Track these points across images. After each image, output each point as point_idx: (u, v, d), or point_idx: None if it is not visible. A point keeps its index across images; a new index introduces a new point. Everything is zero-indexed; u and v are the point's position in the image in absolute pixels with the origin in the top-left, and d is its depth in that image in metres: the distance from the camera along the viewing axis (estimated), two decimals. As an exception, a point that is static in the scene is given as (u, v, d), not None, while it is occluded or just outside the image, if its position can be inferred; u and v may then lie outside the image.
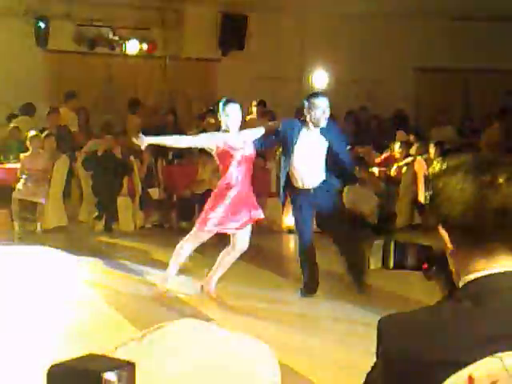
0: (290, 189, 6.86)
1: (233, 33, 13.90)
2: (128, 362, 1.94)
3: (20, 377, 4.60)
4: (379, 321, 2.13)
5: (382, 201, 11.44)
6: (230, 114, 6.50)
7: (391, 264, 2.62)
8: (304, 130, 6.67)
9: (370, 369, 2.05)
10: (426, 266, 2.55)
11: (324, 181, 6.80)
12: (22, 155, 10.40)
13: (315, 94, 6.97)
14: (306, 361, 5.22)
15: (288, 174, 6.81)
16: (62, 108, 12.26)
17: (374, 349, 1.88)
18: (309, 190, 6.76)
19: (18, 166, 10.42)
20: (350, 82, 14.01)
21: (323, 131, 6.68)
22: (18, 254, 8.79)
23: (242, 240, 6.58)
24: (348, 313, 6.43)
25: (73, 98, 12.50)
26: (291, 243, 10.63)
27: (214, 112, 10.04)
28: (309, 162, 6.69)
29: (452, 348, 1.80)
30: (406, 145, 11.86)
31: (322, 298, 6.99)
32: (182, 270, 6.95)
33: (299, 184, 6.78)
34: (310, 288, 6.90)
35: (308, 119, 6.64)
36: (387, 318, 2.10)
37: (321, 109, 6.55)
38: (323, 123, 6.60)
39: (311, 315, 6.50)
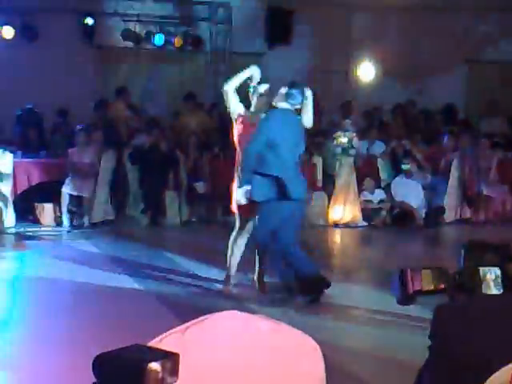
0: None
1: (279, 27, 13.85)
2: (172, 352, 1.93)
3: (67, 367, 4.64)
4: (436, 309, 2.06)
5: (430, 195, 11.30)
6: (264, 93, 6.56)
7: (410, 292, 2.57)
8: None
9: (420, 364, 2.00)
10: (442, 287, 2.49)
11: None
12: (69, 150, 10.52)
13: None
14: (351, 354, 5.17)
15: None
16: (114, 103, 12.37)
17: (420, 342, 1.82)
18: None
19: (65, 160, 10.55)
20: (399, 75, 13.85)
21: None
22: (66, 247, 8.89)
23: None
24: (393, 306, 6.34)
25: (124, 93, 12.61)
26: (337, 237, 10.58)
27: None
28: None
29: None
30: (455, 137, 11.69)
31: (366, 290, 6.92)
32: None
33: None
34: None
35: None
36: (445, 306, 2.04)
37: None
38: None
39: (352, 307, 6.42)
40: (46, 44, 12.61)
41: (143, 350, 1.96)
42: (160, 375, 1.86)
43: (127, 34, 13.27)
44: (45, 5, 12.41)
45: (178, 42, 13.42)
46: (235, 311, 2.94)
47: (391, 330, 5.69)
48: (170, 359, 1.88)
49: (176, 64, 13.91)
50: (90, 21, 13.13)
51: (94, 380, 2.00)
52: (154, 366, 1.85)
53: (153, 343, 2.54)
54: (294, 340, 2.67)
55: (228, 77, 6.88)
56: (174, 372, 1.90)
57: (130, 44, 13.42)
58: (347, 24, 14.11)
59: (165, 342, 2.65)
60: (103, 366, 1.91)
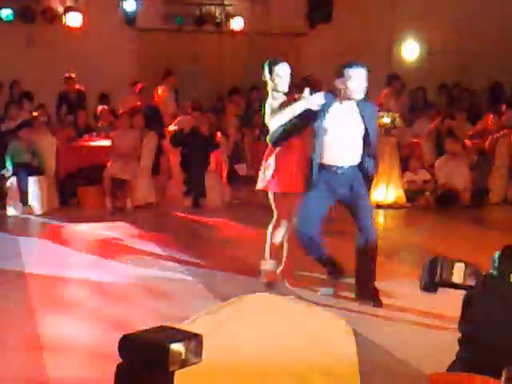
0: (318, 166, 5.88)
1: (320, 5, 13.70)
2: (195, 333, 1.91)
3: (95, 346, 4.67)
4: (464, 297, 2.03)
5: (475, 175, 11.10)
6: (282, 75, 6.17)
7: (437, 280, 2.53)
8: (337, 104, 5.84)
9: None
10: (471, 285, 2.43)
11: (359, 164, 5.88)
12: (111, 133, 10.59)
13: (351, 64, 5.87)
14: (386, 335, 5.11)
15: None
16: (160, 86, 12.41)
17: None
18: (336, 170, 5.84)
19: (108, 144, 10.63)
20: (444, 54, 13.61)
21: (360, 106, 5.85)
22: (109, 229, 8.96)
23: None
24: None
25: (170, 75, 12.64)
26: (380, 218, 10.46)
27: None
28: (341, 137, 5.82)
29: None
30: (500, 116, 11.46)
31: (409, 272, 6.83)
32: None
33: (325, 161, 5.85)
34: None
35: (342, 92, 5.78)
36: (472, 293, 2.00)
37: (357, 80, 5.73)
38: (359, 96, 5.78)
39: (388, 288, 6.34)
40: (87, 29, 12.68)
41: (167, 331, 1.95)
42: (183, 356, 1.84)
43: (167, 17, 13.28)
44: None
45: (218, 23, 13.39)
46: (266, 293, 2.91)
47: (432, 310, 5.61)
48: (194, 340, 1.87)
49: (216, 46, 13.87)
50: (129, 5, 13.15)
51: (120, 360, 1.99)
52: (177, 346, 1.84)
53: (184, 324, 2.53)
54: (326, 321, 2.63)
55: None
56: (198, 353, 1.88)
57: (171, 27, 13.44)
58: (391, 1, 13.90)
59: (197, 322, 2.64)
60: (128, 346, 1.91)
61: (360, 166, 5.89)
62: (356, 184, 5.89)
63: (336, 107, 5.83)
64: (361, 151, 5.87)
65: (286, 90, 6.18)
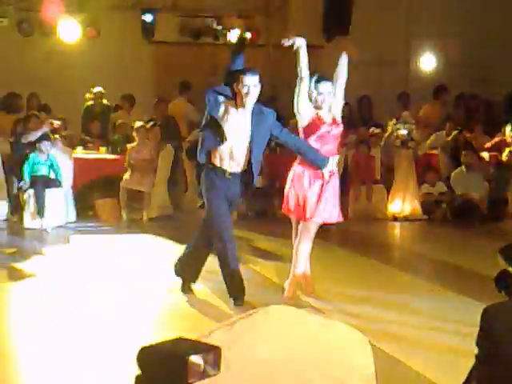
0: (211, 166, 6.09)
1: (337, 18, 13.71)
2: (214, 345, 1.93)
3: (115, 358, 4.68)
4: (484, 311, 2.01)
5: (493, 187, 11.05)
6: (324, 91, 6.24)
7: None
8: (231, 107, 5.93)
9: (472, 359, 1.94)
10: None
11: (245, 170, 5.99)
12: (128, 146, 10.65)
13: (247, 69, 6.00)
14: (403, 347, 5.09)
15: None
16: (178, 98, 12.48)
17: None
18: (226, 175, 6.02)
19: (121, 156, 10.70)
20: (462, 66, 13.56)
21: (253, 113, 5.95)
22: (125, 241, 9.00)
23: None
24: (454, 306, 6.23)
25: (188, 88, 12.72)
26: (396, 230, 10.44)
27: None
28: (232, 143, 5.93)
29: None
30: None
31: (426, 284, 6.81)
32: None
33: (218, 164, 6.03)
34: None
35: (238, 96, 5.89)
36: (493, 308, 1.98)
37: (247, 86, 5.85)
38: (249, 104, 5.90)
39: (403, 300, 6.31)
40: (105, 41, 12.78)
41: (186, 343, 1.97)
42: (202, 368, 1.86)
43: (186, 29, 13.35)
44: (106, 2, 12.57)
45: (236, 35, 13.41)
46: (283, 305, 2.91)
47: (448, 325, 5.59)
48: (212, 352, 1.89)
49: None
50: (148, 17, 13.24)
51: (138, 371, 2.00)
52: (196, 359, 1.86)
53: (201, 336, 2.54)
54: (342, 334, 2.63)
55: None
56: (216, 365, 1.90)
57: (188, 39, 13.50)
58: (408, 12, 13.89)
59: (213, 335, 2.64)
60: (146, 358, 1.93)
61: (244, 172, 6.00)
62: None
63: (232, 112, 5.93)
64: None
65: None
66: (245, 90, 5.85)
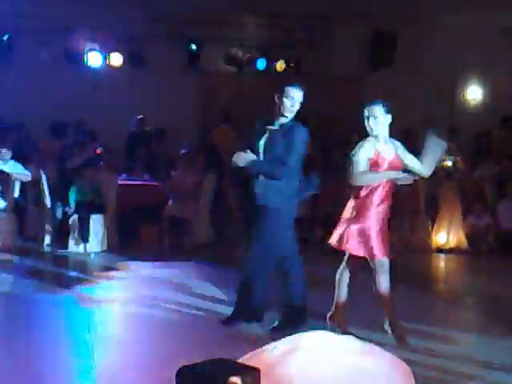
0: None
1: (383, 50, 13.71)
2: (253, 367, 1.90)
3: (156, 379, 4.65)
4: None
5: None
6: (380, 118, 5.69)
7: None
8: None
9: None
10: None
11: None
12: (172, 172, 10.72)
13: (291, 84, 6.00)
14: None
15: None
16: (222, 127, 12.61)
17: None
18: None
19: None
20: (508, 98, 13.41)
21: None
22: (167, 268, 9.01)
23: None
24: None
25: (229, 118, 12.85)
26: (441, 263, 10.28)
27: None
28: None
29: None
30: None
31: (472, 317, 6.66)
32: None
33: None
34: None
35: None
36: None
37: (291, 98, 5.85)
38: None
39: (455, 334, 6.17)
40: (150, 70, 12.94)
41: (225, 363, 1.94)
42: (241, 389, 1.83)
43: (230, 59, 13.47)
44: (149, 31, 12.78)
45: (279, 66, 13.52)
46: (324, 331, 2.84)
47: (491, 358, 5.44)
48: (251, 374, 1.85)
49: (277, 88, 13.96)
50: (193, 46, 13.40)
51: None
52: (235, 380, 1.83)
53: (243, 359, 2.49)
54: (385, 363, 2.56)
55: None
56: (255, 386, 1.86)
57: (232, 69, 13.61)
58: (454, 45, 13.81)
59: (254, 358, 2.59)
60: (186, 377, 1.91)
61: None
62: None
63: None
64: None
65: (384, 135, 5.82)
66: (289, 103, 5.84)
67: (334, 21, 13.49)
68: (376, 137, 5.71)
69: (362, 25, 13.52)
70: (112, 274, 8.67)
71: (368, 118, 5.68)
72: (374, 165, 5.69)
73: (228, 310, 6.49)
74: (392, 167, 5.73)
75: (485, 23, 13.14)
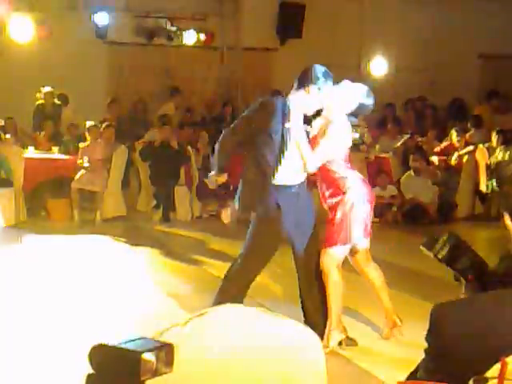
0: None
1: (290, 21, 13.81)
2: (166, 343, 1.94)
3: (70, 359, 4.67)
4: (433, 310, 2.05)
5: (442, 190, 11.24)
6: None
7: (440, 256, 2.58)
8: None
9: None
10: (471, 278, 2.49)
11: None
12: (81, 145, 10.55)
13: None
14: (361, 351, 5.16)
15: None
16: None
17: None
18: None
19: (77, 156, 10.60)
20: (412, 70, 13.78)
21: None
22: (77, 242, 8.92)
23: None
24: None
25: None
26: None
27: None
28: None
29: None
30: (464, 133, 11.65)
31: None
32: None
33: None
34: None
35: None
36: (442, 306, 2.02)
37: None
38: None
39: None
40: (58, 41, 12.62)
41: (138, 340, 1.97)
42: (154, 365, 1.86)
43: (138, 30, 13.30)
44: (56, 4, 12.47)
45: (188, 37, 13.43)
46: (235, 305, 2.93)
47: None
48: (165, 350, 1.89)
49: (188, 61, 13.91)
50: (102, 18, 13.12)
51: (90, 370, 2.00)
52: (148, 356, 1.86)
53: (154, 336, 2.54)
54: (294, 332, 2.67)
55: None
56: (169, 362, 1.90)
57: (141, 40, 13.44)
58: (360, 17, 14.07)
59: (165, 335, 2.65)
60: (98, 356, 1.92)
61: None
62: None
63: None
64: None
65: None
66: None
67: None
68: None
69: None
70: (20, 248, 8.53)
71: None
72: None
73: (136, 283, 6.53)
74: None
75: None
